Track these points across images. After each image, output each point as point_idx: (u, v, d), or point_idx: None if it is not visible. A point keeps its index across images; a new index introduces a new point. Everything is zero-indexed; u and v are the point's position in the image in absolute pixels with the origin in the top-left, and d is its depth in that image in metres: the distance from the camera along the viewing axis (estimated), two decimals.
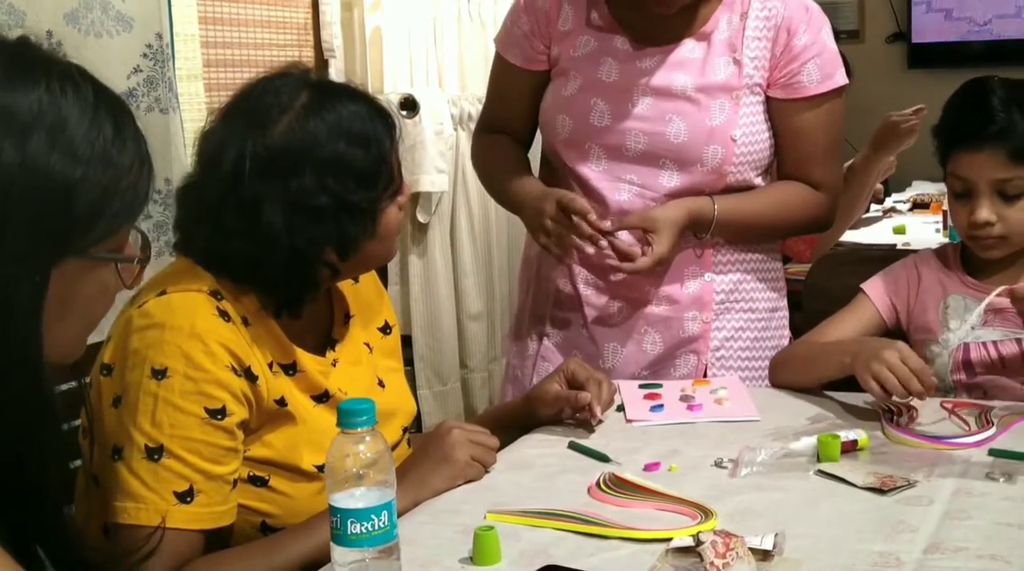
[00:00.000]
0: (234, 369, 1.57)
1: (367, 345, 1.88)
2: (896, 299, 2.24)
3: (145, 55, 2.93)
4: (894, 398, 1.91)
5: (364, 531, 1.30)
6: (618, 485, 1.66)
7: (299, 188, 1.60)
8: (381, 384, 1.86)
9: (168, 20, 3.06)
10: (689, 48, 2.21)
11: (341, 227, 1.64)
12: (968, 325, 2.06)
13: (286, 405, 1.64)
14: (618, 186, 2.22)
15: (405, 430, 1.89)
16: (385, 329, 1.94)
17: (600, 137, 2.22)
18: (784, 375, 2.19)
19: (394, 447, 1.83)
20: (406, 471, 1.69)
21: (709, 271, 2.26)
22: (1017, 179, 2.06)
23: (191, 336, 1.55)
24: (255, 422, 1.61)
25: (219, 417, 1.55)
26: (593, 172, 2.23)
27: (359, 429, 1.31)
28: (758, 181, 2.26)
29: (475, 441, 1.75)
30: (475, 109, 4.45)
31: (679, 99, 2.19)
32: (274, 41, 3.95)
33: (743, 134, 2.19)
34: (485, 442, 1.77)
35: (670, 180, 2.19)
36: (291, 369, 1.67)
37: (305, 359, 1.69)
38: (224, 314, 1.59)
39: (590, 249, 2.14)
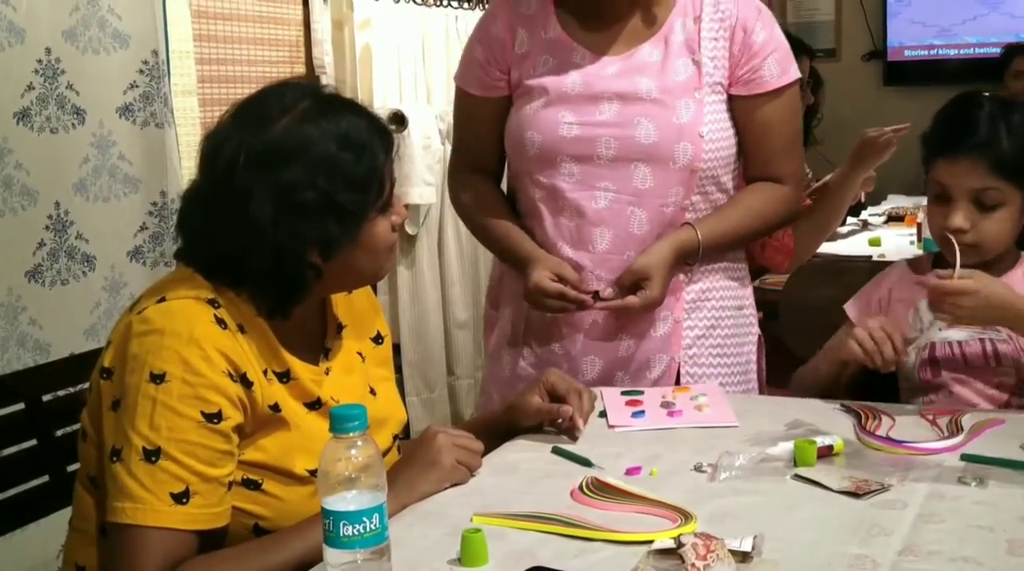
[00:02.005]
0: (230, 375, 1.60)
1: (360, 354, 1.90)
2: (873, 313, 2.28)
3: (141, 71, 2.96)
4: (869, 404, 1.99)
5: (356, 533, 1.32)
6: (600, 489, 1.67)
7: (288, 182, 1.63)
8: (373, 392, 1.88)
9: (164, 37, 3.07)
10: (647, 52, 2.26)
11: (325, 226, 1.66)
12: (935, 326, 2.09)
13: (280, 411, 1.66)
14: (594, 194, 2.24)
15: (395, 438, 1.91)
16: (377, 339, 1.96)
17: (571, 147, 2.24)
18: (804, 392, 2.24)
19: (385, 454, 1.85)
20: (394, 476, 1.70)
21: (680, 272, 2.29)
22: (994, 190, 2.10)
23: (189, 342, 1.58)
24: (250, 427, 1.64)
25: (215, 421, 1.58)
26: (567, 183, 2.25)
27: (351, 434, 1.33)
28: (726, 178, 2.30)
29: (460, 445, 1.78)
30: None
31: (645, 101, 2.22)
32: (267, 58, 3.98)
33: (709, 131, 2.23)
34: (470, 446, 1.79)
35: (644, 181, 2.22)
36: (285, 377, 1.70)
37: (298, 367, 1.72)
38: (221, 322, 1.62)
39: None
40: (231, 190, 1.63)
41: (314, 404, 1.73)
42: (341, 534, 1.33)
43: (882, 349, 2.01)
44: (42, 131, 2.71)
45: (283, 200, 1.63)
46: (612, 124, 2.23)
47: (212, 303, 1.64)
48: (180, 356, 1.57)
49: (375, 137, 1.71)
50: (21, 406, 1.99)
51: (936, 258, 2.28)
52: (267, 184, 1.63)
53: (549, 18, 2.31)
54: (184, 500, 1.56)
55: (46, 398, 2.01)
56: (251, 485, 1.66)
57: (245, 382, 1.62)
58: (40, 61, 2.68)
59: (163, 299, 1.63)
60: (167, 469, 1.55)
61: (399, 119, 4.16)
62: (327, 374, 1.79)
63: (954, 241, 2.08)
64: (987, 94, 2.18)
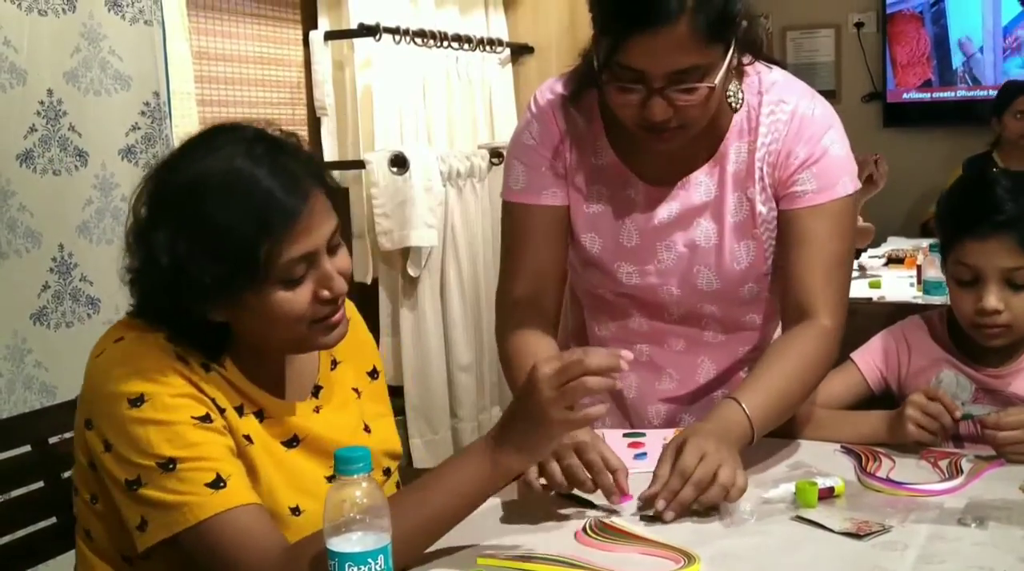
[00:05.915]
0: (200, 392, 1.61)
1: (356, 391, 1.89)
2: (885, 369, 2.28)
3: (143, 113, 2.97)
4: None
5: None
6: (604, 531, 1.68)
7: (153, 242, 1.59)
8: (367, 429, 1.87)
9: (165, 79, 3.09)
10: (701, 182, 2.11)
11: (179, 290, 1.60)
12: (959, 401, 2.06)
13: (252, 443, 1.66)
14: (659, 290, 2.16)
15: (387, 471, 1.90)
16: (373, 374, 1.96)
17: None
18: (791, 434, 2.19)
19: None
20: (507, 433, 1.60)
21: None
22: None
23: (156, 366, 1.59)
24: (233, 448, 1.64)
25: (208, 421, 1.59)
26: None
27: (355, 476, 1.34)
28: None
29: (561, 389, 1.55)
30: (463, 166, 4.50)
31: (703, 249, 2.12)
32: (268, 99, 4.00)
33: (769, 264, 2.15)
34: (574, 385, 1.55)
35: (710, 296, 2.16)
36: (259, 415, 1.70)
37: (272, 405, 1.72)
38: (182, 358, 1.63)
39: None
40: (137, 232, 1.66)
41: (291, 441, 1.73)
42: None
43: (943, 423, 2.02)
44: (45, 173, 2.72)
45: (148, 255, 1.61)
46: (671, 272, 2.14)
47: (170, 340, 1.64)
48: (149, 377, 1.58)
49: (272, 211, 1.57)
50: (27, 448, 1.99)
51: (951, 318, 2.26)
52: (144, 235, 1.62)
53: (599, 140, 2.14)
54: (221, 485, 1.55)
55: (52, 440, 2.02)
56: None
57: (216, 406, 1.63)
58: (42, 103, 2.70)
59: (121, 339, 1.65)
60: (190, 468, 1.55)
61: (400, 161, 4.17)
62: (317, 412, 1.79)
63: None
64: (994, 169, 2.17)
